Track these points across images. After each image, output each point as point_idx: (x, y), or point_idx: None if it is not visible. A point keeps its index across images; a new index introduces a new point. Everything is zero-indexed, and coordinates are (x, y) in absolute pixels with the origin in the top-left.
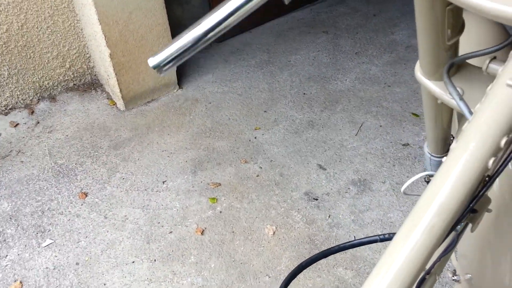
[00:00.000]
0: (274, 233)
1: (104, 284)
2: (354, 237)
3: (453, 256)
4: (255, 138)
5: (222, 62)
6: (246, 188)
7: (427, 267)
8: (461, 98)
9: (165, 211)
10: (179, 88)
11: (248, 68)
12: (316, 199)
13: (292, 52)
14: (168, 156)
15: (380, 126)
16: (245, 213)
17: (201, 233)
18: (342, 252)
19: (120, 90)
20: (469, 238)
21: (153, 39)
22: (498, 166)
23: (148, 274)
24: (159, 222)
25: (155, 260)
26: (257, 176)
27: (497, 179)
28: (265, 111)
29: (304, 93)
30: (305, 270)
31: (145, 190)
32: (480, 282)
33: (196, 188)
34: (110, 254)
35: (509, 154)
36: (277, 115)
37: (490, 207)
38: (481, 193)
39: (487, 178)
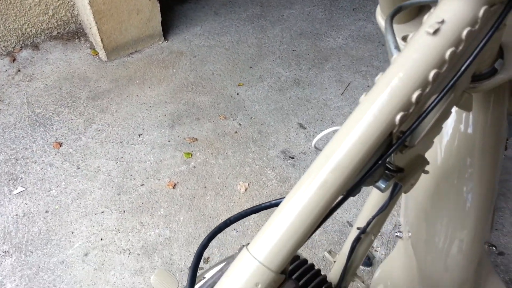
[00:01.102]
0: (246, 189)
1: (72, 233)
2: None
3: (401, 212)
4: (238, 94)
5: (212, 14)
6: (222, 144)
7: (362, 226)
8: (396, 46)
9: (138, 164)
10: (165, 40)
11: (239, 22)
12: (293, 158)
13: (286, 6)
14: (146, 109)
15: (368, 86)
16: (219, 169)
17: (173, 187)
18: None
19: (102, 40)
20: (410, 199)
21: None
22: (412, 122)
23: (116, 224)
24: (131, 175)
25: (124, 211)
26: (235, 132)
27: (442, 143)
28: (250, 67)
29: (294, 50)
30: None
31: (120, 142)
32: (417, 241)
33: (172, 142)
34: (80, 203)
35: (425, 109)
36: (263, 71)
37: (430, 170)
38: (391, 150)
39: (400, 134)
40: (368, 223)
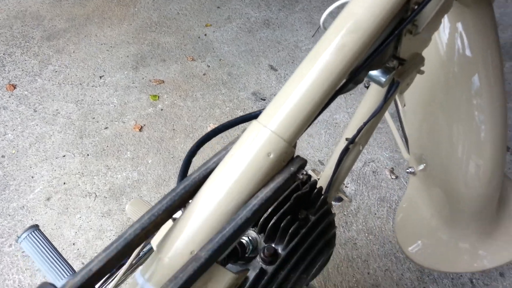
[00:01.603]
0: None
1: (32, 177)
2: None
3: (403, 151)
4: (205, 35)
5: None
6: (191, 86)
7: (350, 136)
8: None
9: (101, 106)
10: None
11: None
12: (264, 100)
13: None
14: (107, 50)
15: None
16: (188, 111)
17: (139, 130)
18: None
19: None
20: (419, 127)
21: None
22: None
23: (80, 168)
24: (94, 118)
25: (88, 155)
26: (204, 74)
27: (441, 49)
28: (218, 7)
29: None
30: None
31: (80, 84)
32: (436, 167)
33: (136, 84)
34: (39, 147)
35: None
36: (231, 12)
37: (431, 88)
38: (410, 17)
39: (415, 6)
40: (359, 131)
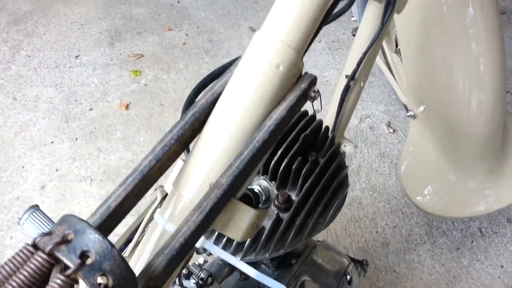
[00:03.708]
0: None
1: (23, 167)
2: None
3: (400, 94)
4: (178, 2)
5: None
6: (172, 57)
7: (350, 73)
8: None
9: (82, 87)
10: None
11: None
12: None
13: None
14: (78, 28)
15: None
16: (173, 84)
17: (126, 108)
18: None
19: None
20: (416, 66)
21: None
22: None
23: (70, 152)
24: (76, 100)
25: (76, 139)
26: (184, 44)
27: None
28: None
29: None
30: None
31: (56, 67)
32: (436, 106)
33: (115, 61)
34: (25, 136)
35: None
36: None
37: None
38: None
39: None
40: (358, 64)
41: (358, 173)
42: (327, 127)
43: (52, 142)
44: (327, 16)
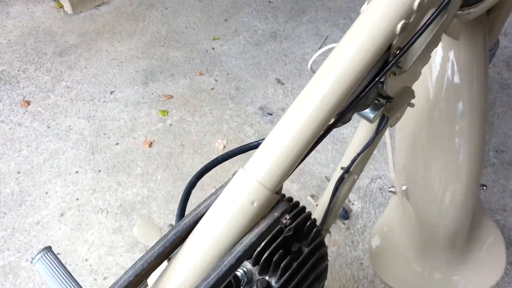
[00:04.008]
0: (224, 147)
1: (46, 193)
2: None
3: (391, 169)
4: (213, 49)
5: None
6: (199, 101)
7: (346, 166)
8: None
9: (112, 122)
10: None
11: None
12: (271, 114)
13: None
14: (117, 65)
15: None
16: (196, 126)
17: (149, 146)
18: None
19: None
20: (404, 148)
21: None
22: (409, 38)
23: (92, 184)
24: (105, 133)
25: (99, 171)
26: (212, 89)
27: (432, 81)
28: (225, 20)
29: (270, 1)
30: None
31: (92, 100)
32: (414, 191)
33: (146, 99)
34: (52, 163)
35: (425, 23)
36: (239, 24)
37: (420, 115)
38: (390, 64)
39: (397, 51)
40: (353, 161)
41: (363, 233)
42: (314, 220)
43: (76, 172)
44: (313, 148)
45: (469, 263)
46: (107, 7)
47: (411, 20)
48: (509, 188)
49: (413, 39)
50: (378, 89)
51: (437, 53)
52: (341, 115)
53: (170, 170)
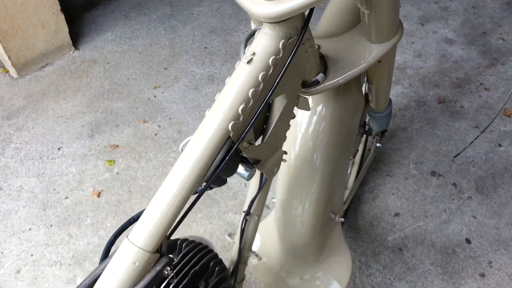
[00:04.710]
0: None
1: (2, 252)
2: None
3: None
4: (155, 96)
5: (122, 18)
6: (144, 147)
7: (245, 209)
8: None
9: (61, 177)
10: (75, 49)
11: (150, 24)
12: None
13: (195, 3)
14: (64, 122)
15: None
16: (142, 172)
17: (98, 196)
18: (232, 199)
19: (9, 57)
20: (279, 175)
21: (36, 2)
22: (241, 132)
23: (45, 239)
24: (54, 189)
25: (51, 226)
26: (156, 134)
27: (299, 136)
28: (165, 68)
29: (206, 47)
30: (198, 218)
31: (40, 158)
32: (277, 207)
33: (93, 152)
34: (6, 224)
35: (250, 120)
36: (178, 71)
37: (291, 157)
38: (231, 152)
39: (239, 137)
40: (249, 207)
41: None
42: (217, 260)
43: (30, 229)
44: (185, 215)
45: (318, 271)
46: (51, 68)
47: (240, 119)
48: (429, 196)
49: (247, 129)
50: (239, 159)
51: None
52: (209, 183)
53: (119, 217)
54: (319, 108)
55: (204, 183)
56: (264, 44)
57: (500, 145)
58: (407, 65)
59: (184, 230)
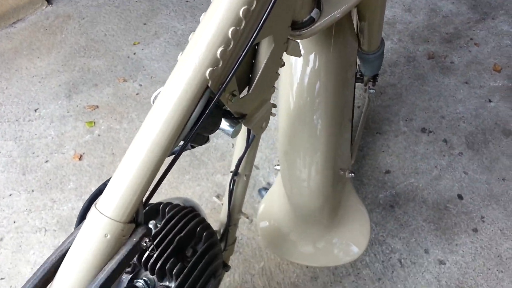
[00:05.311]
0: None
1: None
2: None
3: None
4: (134, 54)
5: None
6: (125, 108)
7: (233, 169)
8: None
9: (39, 140)
10: (48, 4)
11: None
12: None
13: None
14: (39, 82)
15: None
16: (125, 133)
17: (79, 159)
18: (220, 160)
19: None
20: (280, 131)
21: None
22: (221, 81)
23: (26, 204)
24: (33, 152)
25: (32, 191)
26: (137, 94)
27: (293, 87)
28: (144, 24)
29: (187, 1)
30: (186, 180)
31: (17, 120)
32: (283, 171)
33: (71, 113)
34: None
35: (232, 67)
36: (158, 27)
37: (286, 111)
38: (213, 102)
39: (220, 86)
40: (237, 166)
41: None
42: (205, 225)
43: (10, 195)
44: (162, 179)
45: (333, 237)
46: (23, 24)
47: (220, 65)
48: (419, 152)
49: (228, 78)
50: (221, 113)
51: (297, 61)
52: (188, 141)
53: (103, 180)
54: (312, 56)
55: (182, 142)
56: None
57: (490, 101)
58: (396, 19)
59: (172, 192)
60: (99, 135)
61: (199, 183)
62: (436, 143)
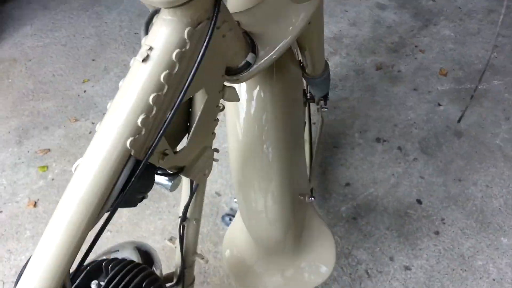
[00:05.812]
0: None
1: None
2: None
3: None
4: (85, 92)
5: (40, 9)
6: (78, 148)
7: (181, 215)
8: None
9: None
10: None
11: (71, 12)
12: None
13: None
14: None
15: None
16: None
17: (34, 206)
18: (180, 190)
19: None
20: (233, 166)
21: None
22: (147, 147)
23: None
24: None
25: None
26: (90, 133)
27: (239, 124)
28: (93, 60)
29: (136, 33)
30: (146, 215)
31: None
32: (241, 206)
33: (23, 159)
34: None
35: (158, 131)
36: (107, 62)
37: (236, 148)
38: (136, 174)
39: (148, 151)
40: (184, 213)
41: None
42: (152, 279)
43: None
44: (92, 247)
45: (301, 262)
46: None
47: (143, 133)
48: (376, 162)
49: (154, 142)
50: (153, 172)
51: (241, 95)
52: (115, 207)
53: None
54: (256, 92)
55: (110, 208)
56: (164, 35)
57: (439, 105)
58: (343, 34)
59: (133, 229)
60: (52, 179)
61: (160, 216)
62: (391, 152)
